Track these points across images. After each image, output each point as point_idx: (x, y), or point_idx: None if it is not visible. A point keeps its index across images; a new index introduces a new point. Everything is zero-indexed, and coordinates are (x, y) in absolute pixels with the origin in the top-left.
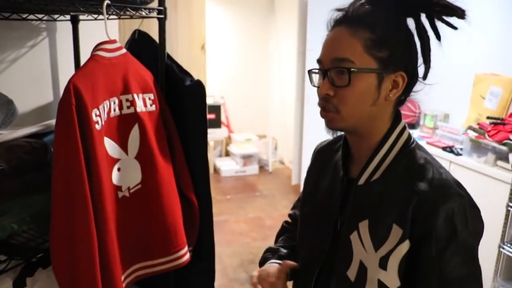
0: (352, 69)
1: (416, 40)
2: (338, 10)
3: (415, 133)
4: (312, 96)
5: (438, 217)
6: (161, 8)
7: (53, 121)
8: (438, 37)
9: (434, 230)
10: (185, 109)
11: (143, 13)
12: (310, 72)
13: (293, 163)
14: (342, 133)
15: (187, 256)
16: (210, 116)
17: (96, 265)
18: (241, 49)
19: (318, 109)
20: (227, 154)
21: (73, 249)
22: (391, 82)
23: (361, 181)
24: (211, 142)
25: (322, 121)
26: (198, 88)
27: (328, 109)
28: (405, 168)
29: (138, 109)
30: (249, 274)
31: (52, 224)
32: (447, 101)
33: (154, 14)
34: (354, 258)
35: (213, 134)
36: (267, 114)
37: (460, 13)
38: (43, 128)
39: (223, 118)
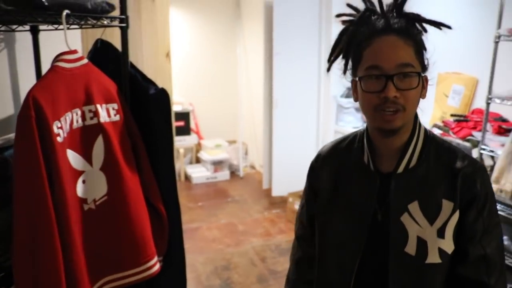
0: (419, 73)
1: None
2: (353, 21)
3: None
4: (280, 100)
5: (477, 186)
6: (123, 16)
7: (13, 135)
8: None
9: (476, 197)
10: (150, 118)
11: (105, 22)
12: (361, 78)
13: (264, 167)
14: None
15: (157, 266)
16: (179, 123)
17: (62, 280)
18: (209, 55)
19: (286, 112)
20: (198, 161)
21: (36, 265)
22: (424, 84)
23: (400, 169)
24: (181, 150)
25: (290, 125)
26: (163, 96)
27: (397, 109)
28: (435, 152)
29: (102, 120)
30: (222, 280)
31: (14, 240)
32: None
33: (116, 23)
34: (410, 236)
35: (182, 142)
36: (237, 119)
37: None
38: (3, 142)
39: (192, 125)
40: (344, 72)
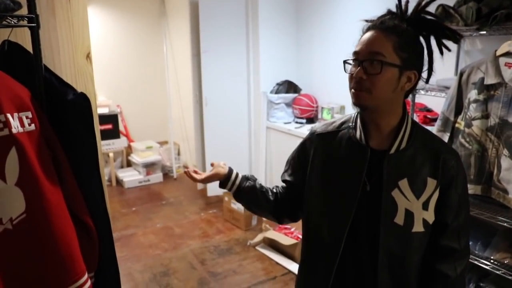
0: (384, 61)
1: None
2: (367, 21)
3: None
4: (210, 98)
5: (455, 169)
6: (32, 15)
7: None
8: (441, 52)
9: (454, 178)
10: (70, 125)
11: (12, 21)
12: (345, 62)
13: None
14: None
15: (89, 283)
16: (107, 126)
17: None
18: (134, 54)
19: (217, 110)
20: (129, 164)
21: None
22: (406, 77)
23: (392, 150)
24: (110, 154)
25: (222, 123)
26: (83, 101)
27: (361, 89)
28: (421, 137)
29: (14, 130)
30: (162, 287)
31: None
32: (342, 93)
33: (25, 22)
34: (399, 208)
35: (112, 145)
36: (167, 119)
37: (457, 37)
38: None
39: (121, 128)
40: None
